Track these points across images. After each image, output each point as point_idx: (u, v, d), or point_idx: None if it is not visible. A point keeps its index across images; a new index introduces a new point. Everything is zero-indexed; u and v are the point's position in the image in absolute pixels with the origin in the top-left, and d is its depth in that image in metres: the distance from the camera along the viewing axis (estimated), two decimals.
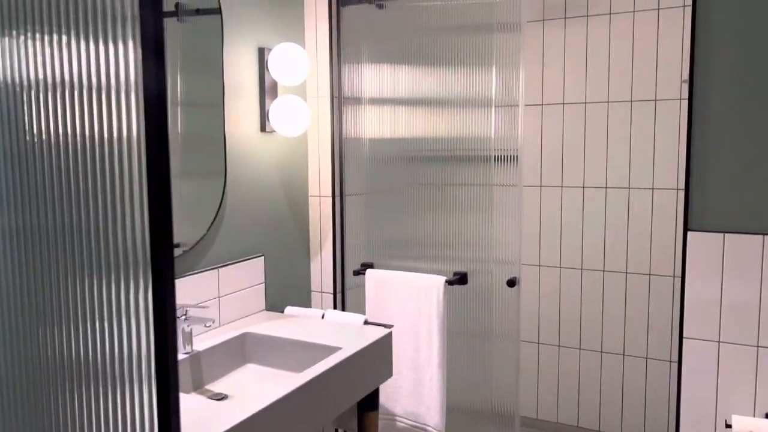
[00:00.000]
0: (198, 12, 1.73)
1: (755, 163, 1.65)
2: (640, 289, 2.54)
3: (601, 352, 2.64)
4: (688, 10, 2.34)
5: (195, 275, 1.75)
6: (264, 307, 2.04)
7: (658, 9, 2.40)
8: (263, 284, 2.03)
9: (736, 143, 1.67)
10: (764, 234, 1.65)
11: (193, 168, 1.76)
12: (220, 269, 1.85)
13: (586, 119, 2.59)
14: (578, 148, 2.62)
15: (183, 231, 1.72)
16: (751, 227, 1.66)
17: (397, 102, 2.18)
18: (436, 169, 2.14)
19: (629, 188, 2.53)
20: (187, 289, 1.72)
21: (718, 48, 1.67)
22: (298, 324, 1.87)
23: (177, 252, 1.69)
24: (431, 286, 2.03)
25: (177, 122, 1.67)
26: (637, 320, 2.56)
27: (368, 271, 2.16)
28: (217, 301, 1.84)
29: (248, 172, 1.96)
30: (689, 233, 1.73)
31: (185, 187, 1.73)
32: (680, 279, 1.77)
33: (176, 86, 1.67)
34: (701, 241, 1.71)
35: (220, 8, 1.79)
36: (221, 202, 1.84)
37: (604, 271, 2.61)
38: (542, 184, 2.71)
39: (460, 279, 2.07)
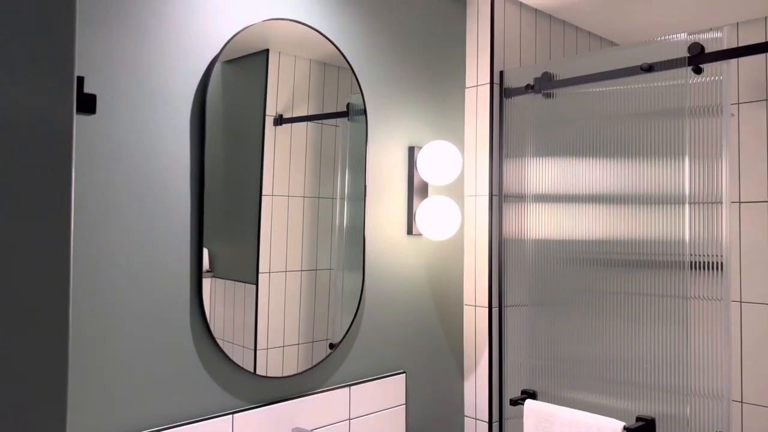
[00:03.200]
0: (357, 112, 1.68)
1: None
2: None
3: None
4: None
5: (321, 393, 1.58)
6: None
7: None
8: (404, 406, 1.80)
9: None
10: None
11: (351, 263, 1.65)
12: (352, 387, 1.66)
13: None
14: None
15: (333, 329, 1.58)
16: None
17: (568, 198, 1.88)
18: (615, 276, 1.76)
19: None
20: (310, 409, 1.56)
21: None
22: None
23: (326, 352, 1.54)
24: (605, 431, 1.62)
25: (335, 213, 1.61)
26: None
27: (527, 403, 1.81)
28: (347, 425, 1.65)
29: (390, 277, 1.79)
30: None
31: (344, 283, 1.61)
32: None
33: (336, 180, 1.61)
34: None
35: (365, 108, 1.71)
36: (357, 310, 1.68)
37: None
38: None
39: (644, 427, 1.62)
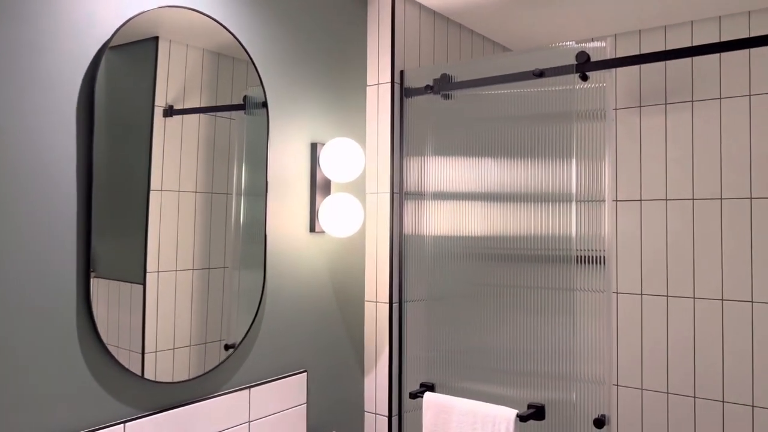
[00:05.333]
0: (255, 106, 1.63)
1: None
2: None
3: None
4: None
5: (220, 397, 1.54)
6: None
7: None
8: (305, 405, 1.78)
9: None
10: None
11: (249, 261, 1.60)
12: (251, 389, 1.62)
13: (695, 218, 2.20)
14: (686, 252, 2.22)
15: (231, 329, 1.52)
16: None
17: (465, 196, 1.94)
18: (508, 271, 1.84)
19: (752, 302, 2.08)
20: (208, 415, 1.50)
21: None
22: None
23: (226, 354, 1.49)
24: (499, 420, 1.69)
25: (231, 210, 1.55)
26: None
27: (426, 395, 1.85)
28: (247, 427, 1.61)
29: (292, 275, 1.77)
30: None
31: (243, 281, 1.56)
32: None
33: (232, 175, 1.55)
34: None
35: (266, 102, 1.67)
36: (258, 309, 1.64)
37: (723, 402, 2.12)
38: (643, 292, 2.31)
39: (535, 413, 1.71)
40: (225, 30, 1.55)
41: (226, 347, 1.55)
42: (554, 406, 1.73)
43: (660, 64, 2.29)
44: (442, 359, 1.94)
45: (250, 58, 1.62)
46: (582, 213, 1.74)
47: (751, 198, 2.09)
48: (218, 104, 1.53)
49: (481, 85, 1.88)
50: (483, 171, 1.91)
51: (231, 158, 1.57)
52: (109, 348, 1.30)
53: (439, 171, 1.98)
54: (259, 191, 1.65)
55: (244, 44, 1.62)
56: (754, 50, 2.11)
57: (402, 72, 2.02)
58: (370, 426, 1.99)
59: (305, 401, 1.78)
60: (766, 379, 2.05)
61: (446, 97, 1.97)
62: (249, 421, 1.61)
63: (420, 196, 2.01)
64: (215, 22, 1.52)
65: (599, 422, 1.62)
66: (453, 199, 1.96)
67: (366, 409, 2.01)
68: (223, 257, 1.54)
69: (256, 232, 1.64)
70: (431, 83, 1.97)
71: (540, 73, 1.76)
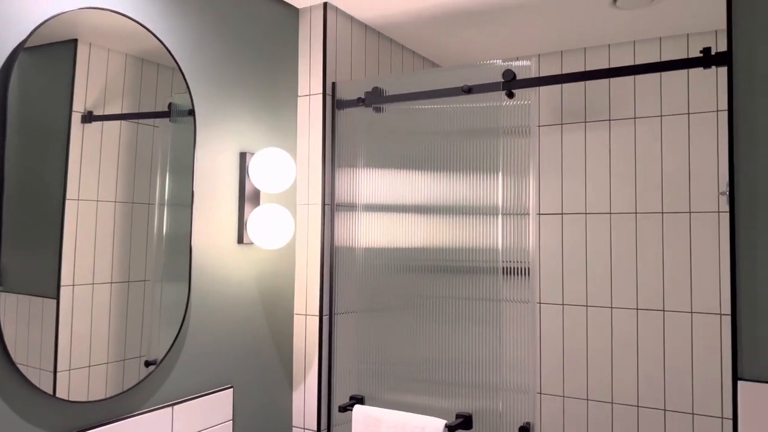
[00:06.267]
0: (180, 113, 1.58)
1: None
2: None
3: None
4: (722, 115, 2.11)
5: (140, 416, 1.47)
6: None
7: (688, 114, 2.18)
8: (231, 422, 1.73)
9: None
10: None
11: (173, 273, 1.53)
12: (174, 407, 1.56)
13: (612, 232, 2.31)
14: (604, 263, 2.32)
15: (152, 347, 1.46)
16: None
17: (396, 209, 1.95)
18: (437, 282, 1.87)
19: (664, 311, 2.20)
20: None
21: (763, 157, 1.41)
22: None
23: (147, 371, 1.42)
24: (428, 431, 1.70)
25: (154, 220, 1.48)
26: None
27: (356, 408, 1.84)
28: None
29: (219, 288, 1.72)
30: (740, 383, 1.39)
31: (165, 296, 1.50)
32: (731, 423, 1.42)
33: (155, 185, 1.48)
34: (756, 395, 1.37)
35: (193, 110, 1.63)
36: (182, 323, 1.59)
37: (638, 406, 2.23)
38: (564, 303, 2.39)
39: (463, 422, 1.73)
40: (151, 34, 1.50)
41: (147, 364, 1.48)
42: (481, 415, 1.76)
43: (580, 84, 2.40)
44: (371, 371, 1.94)
45: (177, 65, 1.58)
46: (508, 226, 1.79)
47: (662, 212, 2.22)
48: (141, 111, 1.48)
49: (412, 99, 1.91)
50: (413, 184, 1.93)
51: (154, 167, 1.51)
52: (19, 366, 1.21)
53: (370, 183, 1.99)
54: (184, 201, 1.60)
55: (170, 50, 1.58)
56: (664, 74, 2.25)
57: (334, 84, 2.03)
58: None
59: (231, 417, 1.73)
60: (677, 384, 2.16)
61: (378, 110, 1.99)
62: None
63: (351, 207, 2.01)
64: (140, 26, 1.47)
65: (524, 430, 1.66)
66: (384, 211, 1.97)
67: (294, 423, 1.97)
68: (144, 270, 1.48)
69: (180, 243, 1.59)
70: (363, 96, 1.98)
71: (468, 90, 1.81)
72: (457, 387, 1.80)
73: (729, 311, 2.06)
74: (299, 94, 2.04)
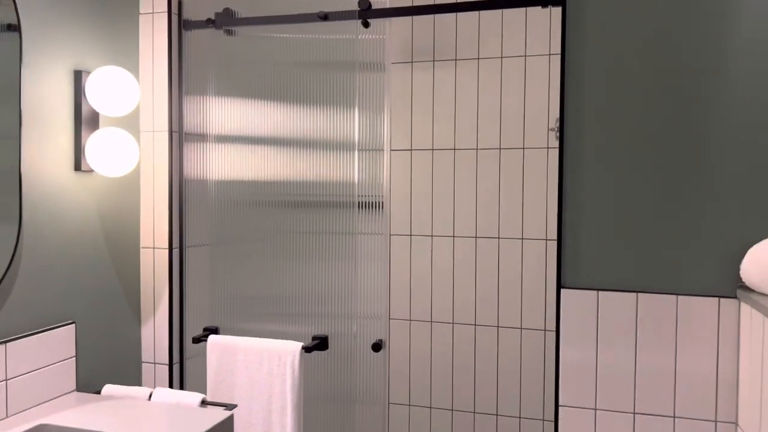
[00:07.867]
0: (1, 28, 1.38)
1: (628, 216, 1.57)
2: (512, 345, 2.41)
3: (474, 412, 2.47)
4: (555, 59, 2.32)
5: None
6: (75, 388, 1.63)
7: (525, 56, 2.36)
8: (74, 359, 1.63)
9: (609, 196, 1.58)
10: (637, 292, 1.55)
11: None
12: (8, 344, 1.43)
13: (455, 166, 2.47)
14: (448, 196, 2.49)
15: None
16: (625, 284, 1.57)
17: (250, 141, 1.91)
18: (293, 216, 1.88)
19: (499, 238, 2.43)
20: None
21: (589, 97, 1.59)
22: (116, 409, 1.49)
23: None
24: (285, 353, 1.75)
25: None
26: (509, 378, 2.42)
27: (210, 338, 1.83)
28: (4, 386, 1.42)
29: (56, 220, 1.58)
30: (562, 291, 1.60)
31: None
32: (554, 334, 1.64)
33: None
34: (575, 300, 1.59)
35: (18, 23, 1.44)
36: (12, 257, 1.44)
37: (475, 325, 2.46)
38: (412, 233, 2.54)
39: (319, 344, 1.80)
40: None
41: None
42: (337, 337, 1.84)
43: (429, 25, 2.49)
44: (226, 304, 1.92)
45: None
46: (364, 161, 1.84)
47: (500, 148, 2.41)
48: None
49: (266, 23, 1.85)
50: (268, 115, 1.90)
51: None
52: None
53: (222, 112, 1.92)
54: (10, 131, 1.42)
55: None
56: (506, 18, 2.40)
57: (180, 1, 1.90)
58: (149, 376, 1.90)
59: (74, 354, 1.63)
60: (509, 304, 2.42)
61: (229, 33, 1.90)
62: (6, 380, 1.43)
63: (202, 137, 1.93)
64: None
65: (377, 346, 1.77)
66: (237, 142, 1.92)
67: (144, 359, 1.91)
68: None
69: (8, 177, 1.42)
70: (213, 17, 1.88)
71: (324, 16, 1.80)
72: (313, 317, 1.85)
73: (554, 237, 2.31)
74: (141, 11, 1.88)
